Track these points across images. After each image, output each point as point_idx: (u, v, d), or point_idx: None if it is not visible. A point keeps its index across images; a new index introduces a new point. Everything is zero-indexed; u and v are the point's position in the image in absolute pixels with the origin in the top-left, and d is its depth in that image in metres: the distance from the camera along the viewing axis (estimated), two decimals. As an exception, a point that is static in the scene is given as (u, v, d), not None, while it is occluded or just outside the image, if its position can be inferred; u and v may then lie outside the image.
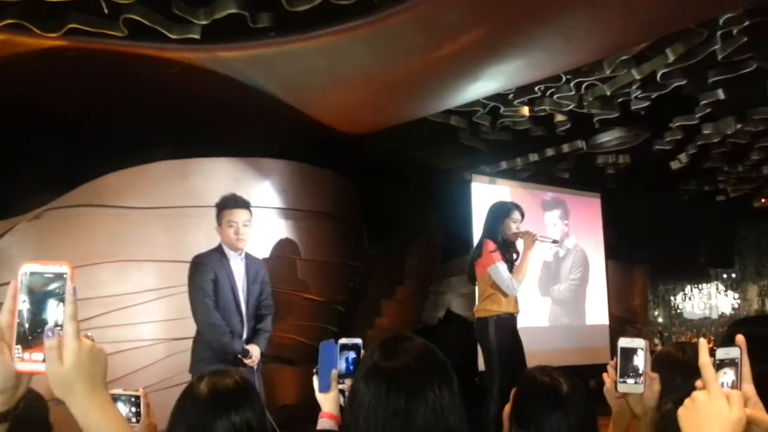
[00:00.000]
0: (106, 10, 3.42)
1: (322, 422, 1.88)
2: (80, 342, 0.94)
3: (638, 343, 1.62)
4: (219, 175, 4.56)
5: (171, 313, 4.29)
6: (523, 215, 4.33)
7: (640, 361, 1.59)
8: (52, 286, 0.94)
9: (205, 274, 3.59)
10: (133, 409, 1.72)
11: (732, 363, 1.07)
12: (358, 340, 1.97)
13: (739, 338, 1.08)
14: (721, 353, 1.08)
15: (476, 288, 4.50)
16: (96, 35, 3.54)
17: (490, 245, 4.22)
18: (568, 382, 1.60)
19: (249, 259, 3.78)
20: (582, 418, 1.54)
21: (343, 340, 1.96)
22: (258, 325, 3.73)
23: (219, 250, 3.70)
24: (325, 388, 1.91)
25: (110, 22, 3.50)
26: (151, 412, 1.76)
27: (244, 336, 3.66)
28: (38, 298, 0.93)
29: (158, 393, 3.67)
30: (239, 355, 3.54)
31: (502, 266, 4.15)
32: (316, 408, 1.95)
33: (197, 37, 3.64)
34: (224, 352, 3.53)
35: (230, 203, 3.69)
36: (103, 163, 4.30)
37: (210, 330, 3.56)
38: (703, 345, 1.03)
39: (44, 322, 0.93)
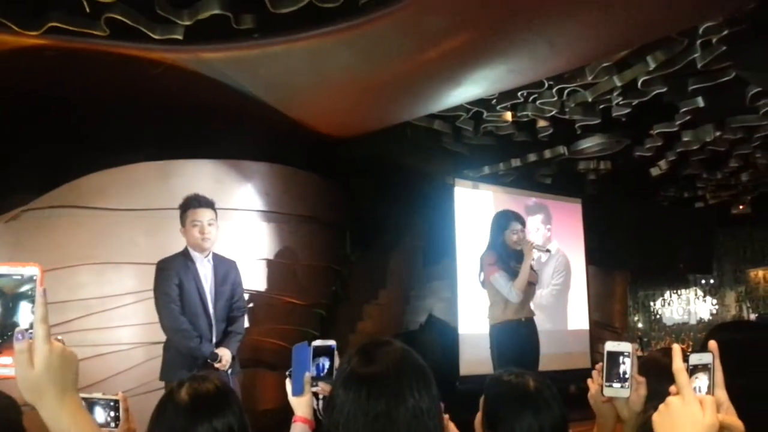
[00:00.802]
0: (87, 9, 3.38)
1: (296, 427, 1.86)
2: (51, 345, 0.93)
3: (625, 347, 1.62)
4: (201, 177, 4.52)
5: (151, 316, 4.22)
6: (523, 224, 4.37)
7: (626, 365, 1.59)
8: (21, 289, 0.92)
9: (169, 279, 3.51)
10: (112, 414, 1.70)
11: (705, 368, 1.08)
12: (332, 342, 1.95)
13: (712, 344, 1.09)
14: (695, 359, 1.09)
15: None
16: (77, 34, 3.50)
17: (488, 258, 4.31)
18: (535, 380, 1.60)
19: (217, 260, 3.69)
20: (553, 415, 1.53)
21: (316, 343, 1.94)
22: (229, 327, 3.64)
23: (184, 254, 3.61)
24: (298, 391, 1.88)
25: (92, 21, 3.46)
26: (130, 416, 1.73)
27: (214, 339, 3.58)
28: (7, 301, 0.92)
29: (137, 397, 3.63)
30: (209, 360, 3.47)
31: (501, 276, 4.22)
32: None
33: (180, 37, 3.61)
34: (193, 357, 3.46)
35: (193, 203, 3.59)
36: (84, 163, 4.24)
37: (176, 335, 3.49)
38: (677, 351, 1.04)
39: (14, 325, 0.91)
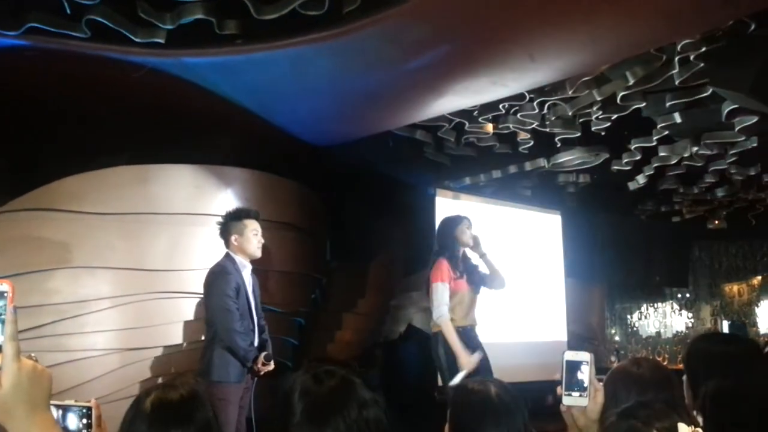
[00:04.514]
0: (68, 11, 3.35)
1: None
2: (20, 363, 0.91)
3: (583, 356, 1.63)
4: (181, 182, 4.48)
5: (126, 322, 4.18)
6: (470, 224, 4.35)
7: (584, 374, 1.61)
8: None
9: (230, 282, 3.70)
10: (84, 421, 1.66)
11: None
12: None
13: None
14: None
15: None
16: (57, 35, 3.46)
17: (441, 263, 4.23)
18: (497, 388, 1.60)
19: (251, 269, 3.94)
20: (515, 424, 1.54)
21: None
22: (262, 334, 3.87)
23: (231, 260, 3.78)
24: None
25: (73, 22, 3.42)
26: (103, 424, 1.70)
27: (256, 343, 3.78)
28: None
29: (111, 404, 3.57)
30: (263, 359, 3.66)
31: (443, 288, 4.15)
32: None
33: (162, 41, 3.59)
34: (246, 359, 3.63)
35: (252, 213, 3.91)
36: (60, 166, 4.18)
37: (235, 336, 3.62)
38: None
39: None
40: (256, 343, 3.78)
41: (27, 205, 4.14)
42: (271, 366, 3.73)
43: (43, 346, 3.85)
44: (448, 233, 4.32)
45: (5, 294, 0.91)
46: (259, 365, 3.66)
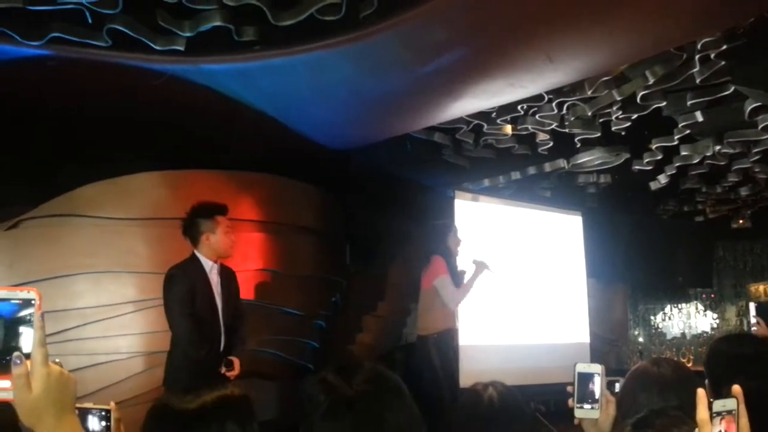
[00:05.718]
0: (90, 20, 3.41)
1: None
2: (49, 368, 0.94)
3: (595, 368, 1.62)
4: (200, 187, 4.53)
5: (149, 326, 4.23)
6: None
7: (596, 386, 1.59)
8: (20, 313, 0.94)
9: (183, 285, 3.50)
10: (103, 424, 1.68)
11: (729, 413, 1.06)
12: None
13: (736, 389, 1.07)
14: (718, 405, 1.07)
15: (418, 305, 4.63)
16: (79, 45, 3.52)
17: (439, 261, 4.49)
18: (500, 396, 1.60)
19: (222, 268, 3.71)
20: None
21: None
22: (235, 336, 3.68)
23: (194, 261, 3.59)
24: None
25: (94, 32, 3.48)
26: (121, 427, 1.72)
27: (222, 347, 3.60)
28: (5, 325, 0.93)
29: (135, 408, 3.61)
30: (223, 366, 3.49)
31: (448, 280, 4.37)
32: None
33: (182, 48, 3.63)
34: (204, 365, 3.46)
35: (223, 209, 3.65)
36: (83, 173, 4.26)
37: (188, 343, 3.48)
38: (702, 398, 1.01)
39: (12, 350, 0.92)
40: (222, 346, 3.58)
41: (51, 212, 4.22)
42: (235, 371, 3.51)
43: (67, 350, 3.91)
44: (440, 239, 4.44)
45: (33, 301, 0.94)
46: (223, 371, 3.47)
